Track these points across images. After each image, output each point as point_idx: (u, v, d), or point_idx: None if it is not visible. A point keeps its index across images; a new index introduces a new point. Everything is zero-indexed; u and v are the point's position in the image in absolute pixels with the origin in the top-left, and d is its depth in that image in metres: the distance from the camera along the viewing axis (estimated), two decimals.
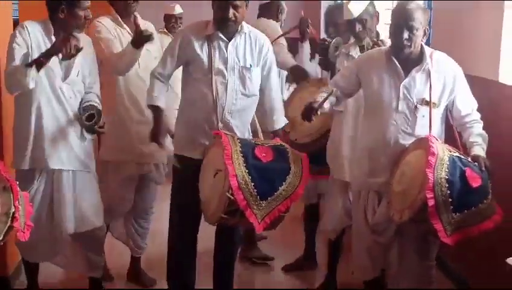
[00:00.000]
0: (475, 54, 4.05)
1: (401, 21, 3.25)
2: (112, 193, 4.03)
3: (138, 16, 3.89)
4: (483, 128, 3.34)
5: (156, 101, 3.66)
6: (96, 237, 3.82)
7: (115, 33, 3.98)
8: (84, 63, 3.65)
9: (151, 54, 4.06)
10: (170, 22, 6.26)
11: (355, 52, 3.91)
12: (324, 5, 7.85)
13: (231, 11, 3.48)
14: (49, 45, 3.44)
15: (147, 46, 3.91)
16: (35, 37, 3.48)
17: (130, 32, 3.99)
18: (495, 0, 3.81)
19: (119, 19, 4.04)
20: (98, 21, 3.97)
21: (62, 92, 3.56)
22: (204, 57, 3.58)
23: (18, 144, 3.61)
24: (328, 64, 4.08)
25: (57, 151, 3.58)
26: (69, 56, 3.37)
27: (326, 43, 4.02)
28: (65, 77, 3.57)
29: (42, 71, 3.38)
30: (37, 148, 3.55)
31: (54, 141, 3.58)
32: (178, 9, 6.33)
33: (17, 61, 3.39)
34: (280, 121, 3.82)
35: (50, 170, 3.59)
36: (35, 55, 3.40)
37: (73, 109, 3.62)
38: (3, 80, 3.57)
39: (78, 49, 3.34)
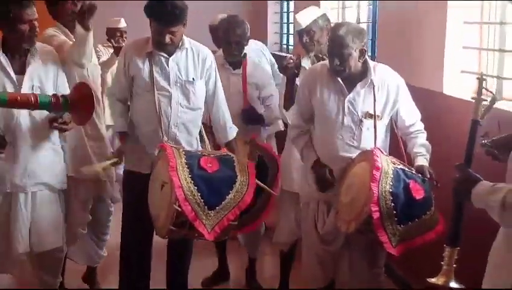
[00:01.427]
0: (419, 65, 4.12)
1: (332, 48, 3.32)
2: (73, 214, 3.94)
3: None
4: (429, 139, 3.41)
5: (122, 128, 3.71)
6: (54, 258, 3.72)
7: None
8: (44, 75, 3.50)
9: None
10: (115, 36, 6.08)
11: (307, 64, 3.96)
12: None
13: (167, 36, 3.49)
14: None
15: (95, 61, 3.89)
16: None
17: None
18: (438, 12, 3.88)
19: (66, 30, 3.93)
20: (48, 31, 3.86)
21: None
22: (146, 73, 3.59)
23: None
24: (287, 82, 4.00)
25: (11, 172, 3.46)
26: None
27: (286, 63, 3.92)
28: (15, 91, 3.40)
29: None
30: None
31: (7, 160, 3.44)
32: (123, 23, 6.24)
33: None
34: (233, 131, 3.83)
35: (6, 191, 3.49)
36: None
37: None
38: None
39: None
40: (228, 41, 4.13)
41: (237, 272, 4.57)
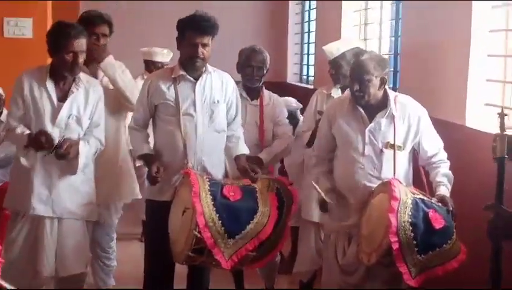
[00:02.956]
0: (442, 97, 4.11)
1: (353, 73, 3.36)
2: None
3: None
4: (450, 170, 3.40)
5: (141, 151, 3.71)
6: (75, 284, 3.79)
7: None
8: (83, 105, 3.64)
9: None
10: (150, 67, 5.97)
11: (336, 94, 4.03)
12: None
13: (200, 49, 3.54)
14: (43, 92, 3.57)
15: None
16: (29, 85, 3.59)
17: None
18: (462, 45, 3.89)
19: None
20: None
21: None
22: (171, 98, 3.62)
23: (11, 185, 3.70)
24: None
25: (41, 198, 3.58)
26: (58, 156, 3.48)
27: None
28: (53, 120, 3.58)
29: (33, 113, 3.58)
30: (23, 192, 3.57)
31: (40, 187, 3.58)
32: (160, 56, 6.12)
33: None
34: (245, 147, 3.82)
35: (33, 214, 3.59)
36: (29, 103, 3.56)
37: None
38: None
39: (51, 145, 3.45)
40: (250, 65, 4.17)
41: None
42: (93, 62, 3.97)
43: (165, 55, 6.01)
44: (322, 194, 3.43)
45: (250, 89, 4.22)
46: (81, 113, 3.64)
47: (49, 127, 3.55)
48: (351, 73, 3.39)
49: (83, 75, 3.67)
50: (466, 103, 3.88)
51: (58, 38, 3.52)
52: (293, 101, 4.96)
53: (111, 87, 3.98)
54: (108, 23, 3.99)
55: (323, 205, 3.50)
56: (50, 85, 3.61)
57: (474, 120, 3.88)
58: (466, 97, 3.88)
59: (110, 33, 4.02)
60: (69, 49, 3.50)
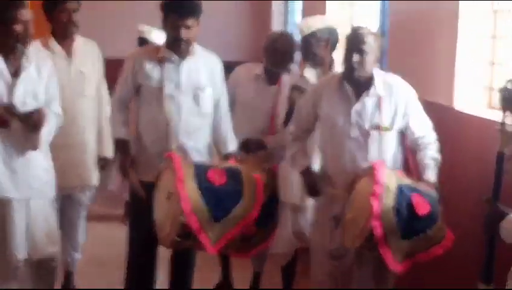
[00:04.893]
0: (430, 79, 4.08)
1: (352, 44, 3.28)
2: None
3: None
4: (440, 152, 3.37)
5: (120, 134, 3.68)
6: (48, 266, 3.73)
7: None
8: (37, 79, 3.52)
9: (85, 76, 4.07)
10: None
11: (309, 73, 3.96)
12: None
13: (183, 31, 3.49)
14: None
15: (81, 68, 3.98)
16: None
17: (64, 56, 4.01)
18: (449, 25, 3.85)
19: (52, 40, 3.99)
20: None
21: None
22: (156, 79, 3.58)
23: None
24: None
25: (5, 179, 3.46)
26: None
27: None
28: (9, 96, 3.42)
29: None
30: None
31: (1, 167, 3.45)
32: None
33: None
34: (233, 142, 3.82)
35: None
36: None
37: None
38: None
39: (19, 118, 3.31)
40: (275, 48, 4.09)
41: (241, 286, 4.51)
42: (66, 39, 3.97)
43: (162, 37, 5.96)
44: None
45: (271, 73, 4.17)
46: (36, 88, 3.50)
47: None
48: (348, 45, 3.31)
49: (33, 48, 3.51)
50: (454, 84, 3.84)
51: (2, 7, 3.34)
52: None
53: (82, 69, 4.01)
54: None
55: (311, 189, 3.47)
56: (0, 60, 3.43)
57: (462, 102, 3.84)
58: (454, 79, 3.84)
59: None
60: (19, 19, 3.35)
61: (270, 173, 3.64)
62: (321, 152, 3.53)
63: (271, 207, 3.50)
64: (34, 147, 3.46)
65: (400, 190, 3.07)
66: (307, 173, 3.48)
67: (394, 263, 3.05)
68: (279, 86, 4.13)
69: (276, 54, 4.07)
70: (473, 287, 2.77)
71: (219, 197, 3.30)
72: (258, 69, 4.21)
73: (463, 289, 3.32)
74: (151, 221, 3.42)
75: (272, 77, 4.17)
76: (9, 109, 3.35)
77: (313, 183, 3.46)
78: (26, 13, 3.38)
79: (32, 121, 3.36)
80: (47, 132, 3.46)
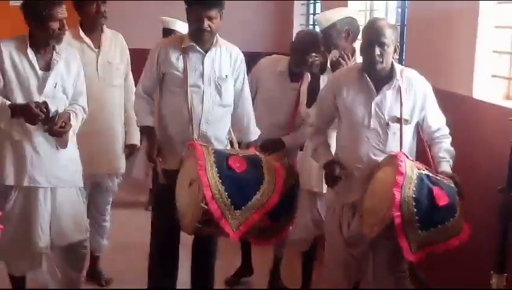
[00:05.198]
0: (449, 69, 4.10)
1: (372, 37, 3.29)
2: None
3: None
4: (456, 144, 3.40)
5: (146, 122, 3.74)
6: (77, 253, 3.85)
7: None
8: (66, 74, 3.62)
9: (113, 66, 4.16)
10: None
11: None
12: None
13: (206, 22, 3.55)
14: (25, 62, 3.49)
15: (109, 59, 4.07)
16: (10, 55, 3.50)
17: (93, 47, 4.10)
18: (468, 16, 3.86)
19: (80, 31, 4.08)
20: None
21: None
22: (180, 69, 3.64)
23: None
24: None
25: (30, 169, 3.55)
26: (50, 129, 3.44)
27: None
28: (40, 90, 3.54)
29: (16, 84, 3.47)
30: (13, 164, 3.56)
31: (27, 158, 3.55)
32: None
33: None
34: (256, 132, 3.89)
35: (24, 187, 3.58)
36: (11, 73, 3.47)
37: None
38: None
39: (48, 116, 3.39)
40: (300, 48, 4.07)
41: (261, 272, 4.59)
42: (95, 31, 4.07)
43: (186, 27, 6.00)
44: None
45: (294, 71, 4.20)
46: (65, 82, 3.61)
47: (36, 98, 3.50)
48: (367, 39, 3.31)
49: (63, 44, 3.61)
50: (473, 74, 3.85)
51: (40, 6, 3.42)
52: None
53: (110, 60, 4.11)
54: None
55: (333, 182, 3.45)
56: (31, 54, 3.53)
57: (481, 92, 3.85)
58: (473, 69, 3.84)
59: None
60: (56, 17, 3.44)
61: (290, 169, 3.66)
62: (338, 141, 3.56)
63: (287, 202, 3.51)
64: (63, 146, 3.59)
65: (421, 181, 3.11)
66: (330, 166, 3.45)
67: (410, 253, 3.08)
68: (301, 83, 4.14)
69: (302, 53, 4.02)
70: (486, 277, 2.81)
71: (240, 184, 3.35)
72: (281, 64, 4.24)
73: (476, 278, 3.35)
74: (174, 208, 3.49)
75: (295, 74, 4.20)
76: (40, 105, 3.42)
77: (335, 177, 3.43)
78: (62, 11, 3.47)
79: (56, 132, 3.47)
80: (74, 128, 3.59)
